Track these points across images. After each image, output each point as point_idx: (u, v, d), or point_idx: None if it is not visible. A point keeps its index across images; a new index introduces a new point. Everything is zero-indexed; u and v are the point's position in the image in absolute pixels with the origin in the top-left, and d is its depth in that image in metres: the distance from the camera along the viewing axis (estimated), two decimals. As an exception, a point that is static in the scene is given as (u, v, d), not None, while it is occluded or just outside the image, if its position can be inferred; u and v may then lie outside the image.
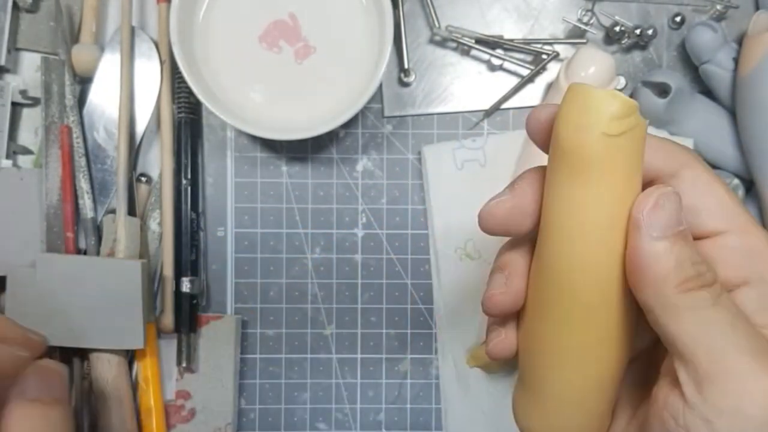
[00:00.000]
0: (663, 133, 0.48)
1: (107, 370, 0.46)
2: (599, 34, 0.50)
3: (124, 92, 0.47)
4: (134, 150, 0.48)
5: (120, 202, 0.47)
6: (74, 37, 0.48)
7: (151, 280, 0.48)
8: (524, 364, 0.29)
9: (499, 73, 0.50)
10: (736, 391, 0.22)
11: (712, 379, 0.22)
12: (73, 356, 0.46)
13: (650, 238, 0.23)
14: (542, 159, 0.46)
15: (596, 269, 0.25)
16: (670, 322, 0.23)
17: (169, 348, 0.49)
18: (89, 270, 0.44)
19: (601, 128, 0.23)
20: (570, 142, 0.23)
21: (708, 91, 0.49)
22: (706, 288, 0.23)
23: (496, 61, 0.49)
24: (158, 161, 0.49)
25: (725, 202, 0.26)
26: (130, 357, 0.48)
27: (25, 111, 0.49)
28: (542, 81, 0.50)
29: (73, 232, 0.46)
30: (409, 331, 0.50)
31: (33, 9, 0.48)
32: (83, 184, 0.47)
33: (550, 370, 0.27)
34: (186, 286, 0.48)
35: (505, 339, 0.30)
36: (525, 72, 0.49)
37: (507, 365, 0.48)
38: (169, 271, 0.48)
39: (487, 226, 0.28)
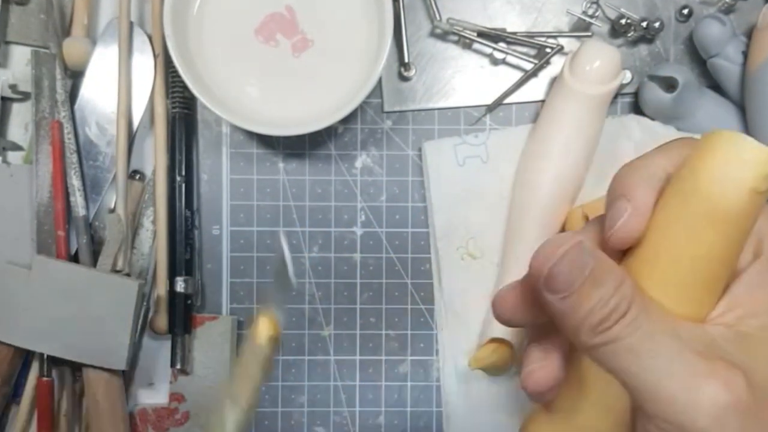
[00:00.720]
0: (670, 129, 0.47)
1: (99, 381, 0.45)
2: (604, 27, 0.49)
3: (122, 88, 0.46)
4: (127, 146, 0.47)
5: (119, 200, 0.46)
6: (65, 30, 0.47)
7: (142, 303, 0.47)
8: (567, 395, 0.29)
9: (502, 67, 0.49)
10: (683, 409, 0.22)
11: (657, 402, 0.23)
12: (63, 365, 0.46)
13: (555, 300, 0.24)
14: (544, 156, 0.45)
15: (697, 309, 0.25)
16: (599, 360, 0.24)
17: (163, 349, 0.48)
18: (84, 281, 0.44)
19: (753, 184, 0.23)
20: (714, 190, 0.23)
21: (716, 86, 0.48)
22: (623, 318, 0.23)
23: (498, 55, 0.48)
24: (152, 157, 0.48)
25: None
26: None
27: (15, 106, 0.48)
28: (546, 75, 0.49)
29: (64, 230, 0.45)
30: (409, 332, 0.50)
31: (23, 1, 0.47)
32: (75, 181, 0.46)
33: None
34: (180, 285, 0.47)
35: (547, 366, 0.28)
36: (528, 66, 0.49)
37: (511, 368, 0.47)
38: (162, 270, 0.47)
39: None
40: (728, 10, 0.49)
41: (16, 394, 0.46)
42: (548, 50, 0.48)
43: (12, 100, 0.48)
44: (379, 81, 0.49)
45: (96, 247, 0.46)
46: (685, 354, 0.23)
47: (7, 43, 0.48)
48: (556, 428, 0.29)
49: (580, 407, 0.28)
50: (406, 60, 0.48)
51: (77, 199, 0.46)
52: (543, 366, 0.28)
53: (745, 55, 0.46)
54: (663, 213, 0.25)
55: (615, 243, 0.26)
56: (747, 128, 0.46)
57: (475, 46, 0.49)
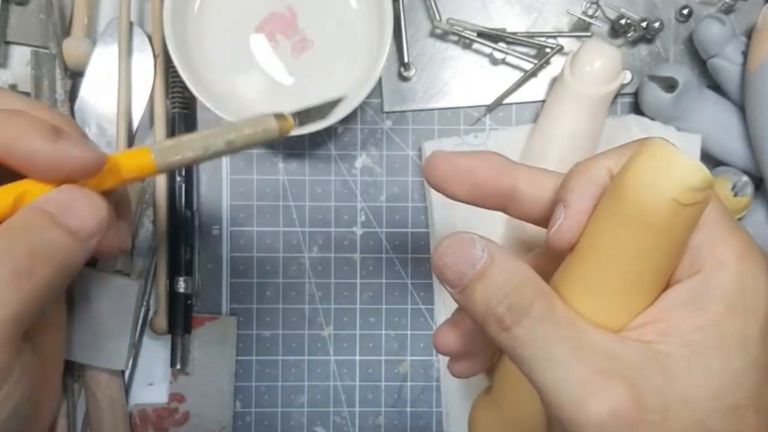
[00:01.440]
0: (670, 129, 0.47)
1: (99, 381, 0.45)
2: (604, 27, 0.49)
3: (122, 88, 0.46)
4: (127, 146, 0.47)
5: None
6: (65, 31, 0.47)
7: (142, 303, 0.47)
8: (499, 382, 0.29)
9: (502, 68, 0.49)
10: (570, 419, 0.22)
11: (550, 405, 0.23)
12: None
13: (454, 294, 0.24)
14: (545, 157, 0.45)
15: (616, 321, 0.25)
16: (507, 354, 0.24)
17: (163, 349, 0.48)
18: (84, 281, 0.44)
19: (674, 194, 0.22)
20: (638, 195, 0.23)
21: (716, 86, 0.48)
22: (523, 320, 0.23)
23: (498, 55, 0.48)
24: (152, 158, 0.48)
25: None
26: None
27: (15, 106, 0.48)
28: (546, 75, 0.49)
29: (64, 230, 0.45)
30: (409, 332, 0.50)
31: (23, 1, 0.47)
32: (74, 181, 0.46)
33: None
34: (180, 285, 0.47)
35: (450, 333, 0.30)
36: (528, 66, 0.48)
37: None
38: (162, 270, 0.47)
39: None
40: (728, 10, 0.49)
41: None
42: (548, 50, 0.48)
43: (12, 100, 0.48)
44: (379, 81, 0.49)
45: (96, 247, 0.46)
46: (580, 366, 0.22)
47: (7, 43, 0.48)
48: (493, 415, 0.30)
49: (513, 395, 0.29)
50: (406, 60, 0.48)
51: (77, 199, 0.46)
52: (447, 330, 0.29)
53: (745, 55, 0.45)
54: (594, 218, 0.25)
55: (552, 247, 0.26)
56: (747, 128, 0.46)
57: (475, 46, 0.49)
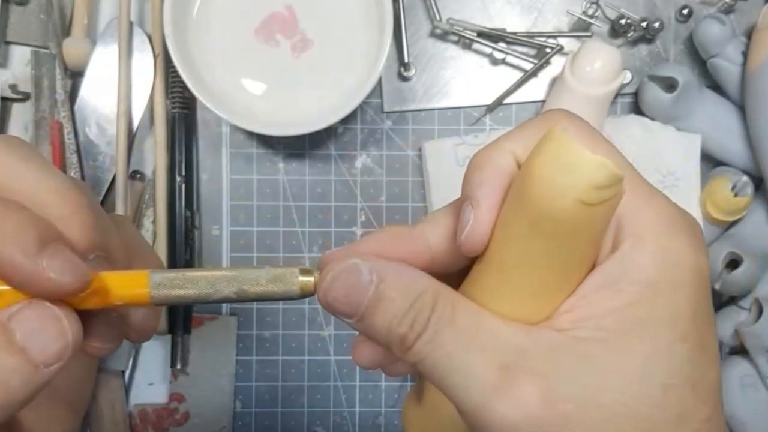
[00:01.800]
0: (670, 129, 0.47)
1: (99, 381, 0.45)
2: (604, 27, 0.49)
3: (122, 88, 0.46)
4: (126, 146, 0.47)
5: (119, 201, 0.46)
6: (65, 31, 0.47)
7: None
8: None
9: (502, 68, 0.49)
10: (481, 424, 0.21)
11: (463, 414, 0.22)
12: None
13: (353, 324, 0.23)
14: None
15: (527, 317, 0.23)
16: (418, 371, 0.23)
17: (163, 349, 0.48)
18: None
19: (578, 195, 0.20)
20: (539, 198, 0.21)
21: (716, 86, 0.48)
22: (422, 335, 0.22)
23: (498, 55, 0.48)
24: (152, 157, 0.48)
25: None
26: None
27: (15, 106, 0.48)
28: (546, 75, 0.49)
29: (64, 230, 0.45)
30: (409, 332, 0.49)
31: (23, 1, 0.47)
32: (74, 181, 0.46)
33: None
34: (180, 285, 0.47)
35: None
36: (528, 66, 0.48)
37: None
38: (162, 270, 0.47)
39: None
40: (728, 10, 0.49)
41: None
42: (548, 50, 0.48)
43: (12, 100, 0.48)
44: (379, 81, 0.49)
45: (96, 247, 0.46)
46: (483, 367, 0.21)
47: (7, 43, 0.48)
48: (421, 413, 0.29)
49: (431, 397, 0.28)
50: (406, 60, 0.48)
51: (77, 199, 0.46)
52: (362, 343, 0.26)
53: (745, 55, 0.45)
54: (501, 215, 0.23)
55: (466, 252, 0.23)
56: (747, 128, 0.46)
57: (475, 46, 0.49)
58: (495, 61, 0.49)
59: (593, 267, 0.23)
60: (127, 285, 0.24)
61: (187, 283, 0.24)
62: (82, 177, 0.46)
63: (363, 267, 0.22)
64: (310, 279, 0.24)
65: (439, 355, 0.22)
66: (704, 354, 0.22)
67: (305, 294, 0.25)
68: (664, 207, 0.23)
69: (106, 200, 0.47)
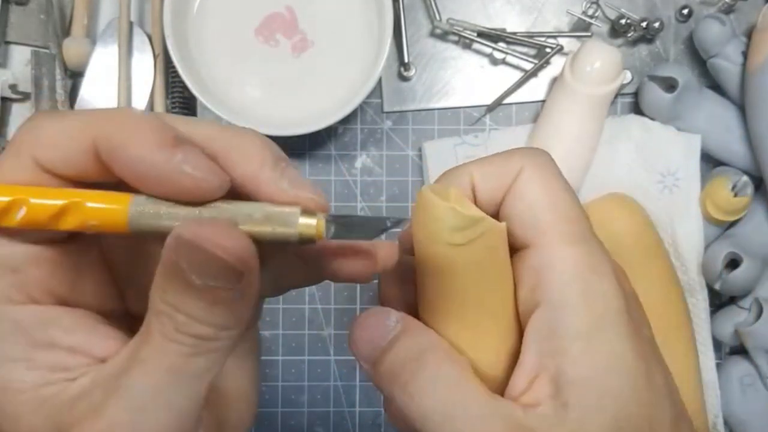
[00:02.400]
0: (670, 129, 0.47)
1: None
2: (604, 27, 0.49)
3: (122, 88, 0.46)
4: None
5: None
6: (65, 31, 0.47)
7: None
8: None
9: (502, 68, 0.49)
10: None
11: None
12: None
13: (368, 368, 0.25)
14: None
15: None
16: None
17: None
18: None
19: (446, 239, 0.23)
20: (423, 249, 0.24)
21: (716, 86, 0.48)
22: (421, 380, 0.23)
23: (498, 55, 0.48)
24: (152, 158, 0.48)
25: (534, 210, 0.24)
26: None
27: (15, 106, 0.48)
28: (546, 75, 0.49)
29: (64, 230, 0.45)
30: (409, 332, 0.49)
31: (23, 1, 0.47)
32: (74, 181, 0.46)
33: None
34: (180, 285, 0.47)
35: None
36: (528, 66, 0.48)
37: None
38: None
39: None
40: (728, 10, 0.49)
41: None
42: (548, 50, 0.48)
43: (12, 100, 0.48)
44: (379, 81, 0.49)
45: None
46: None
47: (7, 43, 0.48)
48: None
49: None
50: (406, 60, 0.48)
51: (77, 199, 0.46)
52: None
53: (745, 55, 0.45)
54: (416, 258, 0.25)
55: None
56: (747, 128, 0.46)
57: (475, 46, 0.49)
58: (495, 61, 0.49)
59: (515, 300, 0.24)
60: (104, 206, 0.21)
61: (171, 214, 0.21)
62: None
63: (393, 313, 0.24)
64: (312, 222, 0.23)
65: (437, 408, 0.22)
66: (652, 392, 0.22)
67: (305, 240, 0.22)
68: (579, 249, 0.23)
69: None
